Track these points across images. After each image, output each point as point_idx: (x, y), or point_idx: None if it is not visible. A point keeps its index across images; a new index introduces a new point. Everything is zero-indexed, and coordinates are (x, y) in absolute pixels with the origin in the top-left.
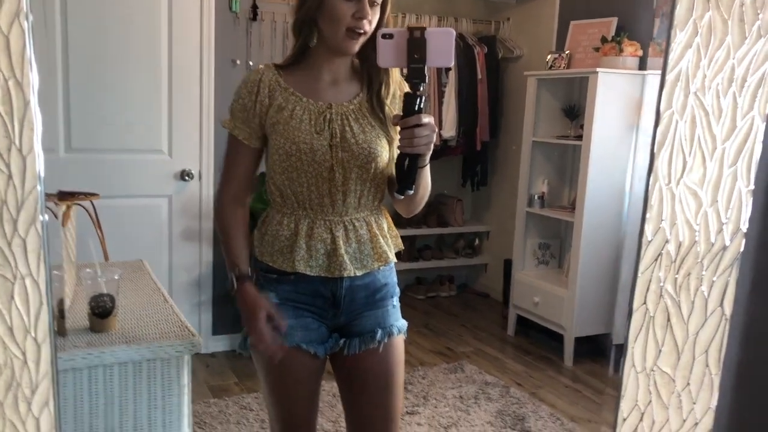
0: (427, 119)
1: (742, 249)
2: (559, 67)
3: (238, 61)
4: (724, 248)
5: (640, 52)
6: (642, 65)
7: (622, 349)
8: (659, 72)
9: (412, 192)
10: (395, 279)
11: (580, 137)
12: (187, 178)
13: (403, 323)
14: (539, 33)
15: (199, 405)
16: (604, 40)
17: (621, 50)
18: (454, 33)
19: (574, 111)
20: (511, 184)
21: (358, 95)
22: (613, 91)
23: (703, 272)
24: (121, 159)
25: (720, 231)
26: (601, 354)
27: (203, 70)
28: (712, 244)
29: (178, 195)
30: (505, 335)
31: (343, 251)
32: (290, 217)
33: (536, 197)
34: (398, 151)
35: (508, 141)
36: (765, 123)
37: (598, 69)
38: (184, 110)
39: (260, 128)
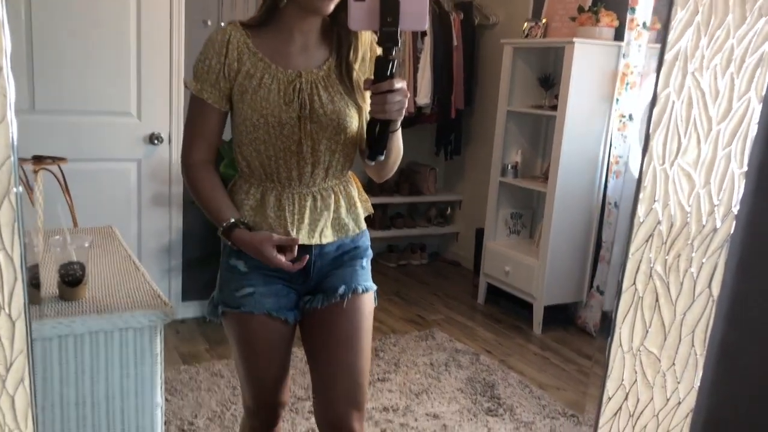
0: (400, 84)
1: (731, 231)
2: (536, 35)
3: (209, 22)
4: (715, 230)
5: (616, 23)
6: (618, 36)
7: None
8: (636, 44)
9: (383, 158)
10: (367, 243)
11: (554, 107)
12: (156, 141)
13: (371, 284)
14: (516, 1)
15: (169, 372)
16: (581, 9)
17: (598, 20)
18: None
19: (550, 81)
20: (484, 154)
21: (327, 60)
22: (588, 62)
23: (693, 254)
24: (87, 122)
25: (711, 213)
26: (570, 322)
27: (173, 30)
28: (703, 226)
29: (147, 159)
30: (476, 304)
31: (309, 221)
32: (257, 188)
33: (509, 167)
34: (368, 117)
35: (482, 110)
36: (761, 104)
37: (574, 39)
38: (153, 72)
39: (229, 91)
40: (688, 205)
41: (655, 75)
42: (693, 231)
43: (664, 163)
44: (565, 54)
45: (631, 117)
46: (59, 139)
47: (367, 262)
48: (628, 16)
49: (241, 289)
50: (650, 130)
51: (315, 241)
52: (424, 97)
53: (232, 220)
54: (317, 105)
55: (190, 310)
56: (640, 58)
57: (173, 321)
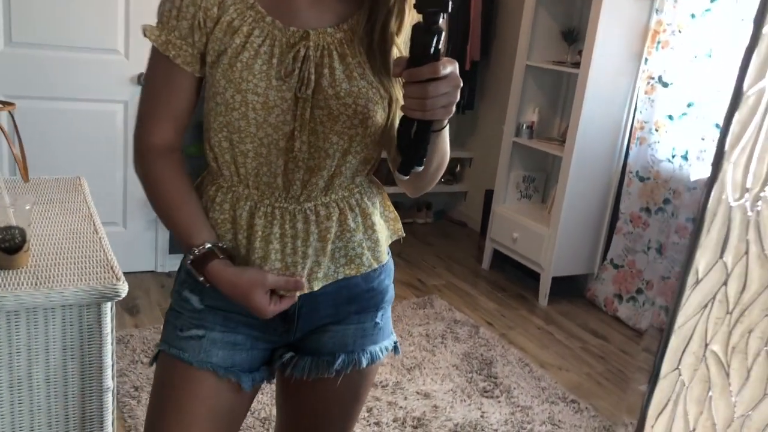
0: (449, 68)
1: None
2: None
3: None
4: None
5: None
6: None
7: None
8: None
9: (421, 168)
10: (388, 282)
11: (577, 64)
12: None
13: (386, 345)
14: None
15: (148, 331)
16: None
17: None
18: None
19: (574, 35)
20: (499, 110)
21: (352, 17)
22: (618, 16)
23: None
24: (69, 57)
25: None
26: (578, 294)
27: None
28: None
29: (134, 101)
30: (480, 269)
31: (293, 257)
32: (226, 194)
33: (524, 126)
34: (401, 114)
35: (499, 63)
36: None
37: None
38: (142, 6)
39: (202, 45)
40: None
41: (740, 64)
42: None
43: (742, 196)
44: (592, 5)
45: (660, 79)
46: (37, 75)
47: (384, 314)
48: None
49: (188, 329)
50: (726, 146)
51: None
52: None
53: (208, 246)
54: (326, 82)
55: (177, 263)
56: (675, 15)
57: (159, 274)
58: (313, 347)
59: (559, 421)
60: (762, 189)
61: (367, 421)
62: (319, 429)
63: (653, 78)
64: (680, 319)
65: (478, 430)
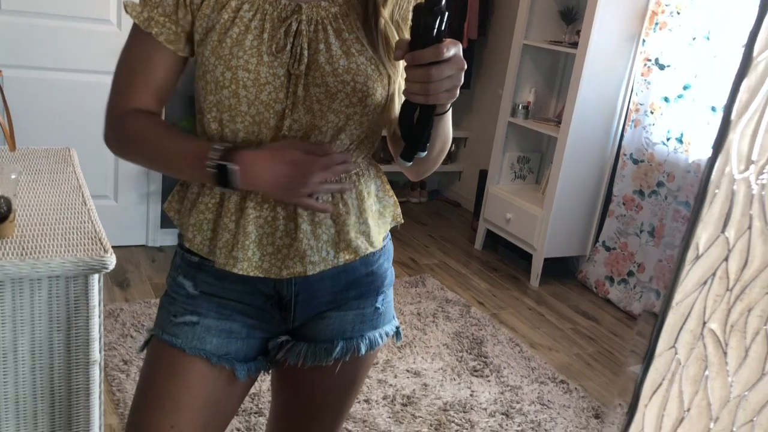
0: (452, 50)
1: None
2: None
3: None
4: None
5: None
6: None
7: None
8: None
9: (424, 154)
10: (387, 265)
11: (575, 44)
12: None
13: (386, 330)
14: None
15: (138, 305)
16: None
17: None
18: None
19: (572, 14)
20: (495, 90)
21: None
22: None
23: None
24: (61, 27)
25: None
26: (570, 276)
27: None
28: None
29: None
30: (473, 249)
31: (285, 239)
32: None
33: (521, 106)
34: (403, 97)
35: (497, 42)
36: None
37: None
38: None
39: (190, 26)
40: None
41: (751, 29)
42: None
43: (747, 168)
44: None
45: (657, 61)
46: (27, 44)
47: (385, 298)
48: None
49: (182, 314)
50: (732, 115)
51: (296, 270)
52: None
53: (221, 147)
54: (323, 58)
55: (169, 238)
56: None
57: (150, 248)
58: (310, 334)
59: (548, 401)
60: (767, 163)
61: (357, 398)
62: (314, 416)
63: (650, 60)
64: (678, 295)
65: (468, 409)
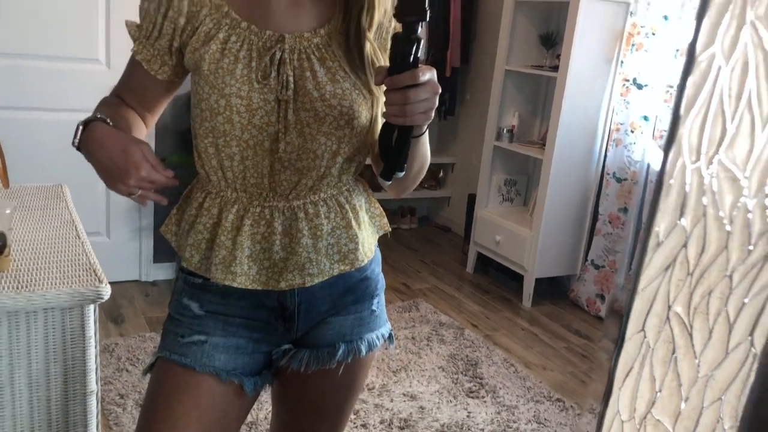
0: (428, 75)
1: None
2: None
3: None
4: (766, 258)
5: None
6: None
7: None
8: (645, 1)
9: (402, 174)
10: (378, 270)
11: (555, 68)
12: None
13: (383, 331)
14: None
15: (133, 339)
16: None
17: None
18: None
19: (552, 39)
20: (480, 115)
21: (328, 23)
22: (594, 20)
23: (732, 290)
24: (51, 67)
25: (764, 234)
26: (561, 296)
27: None
28: (749, 252)
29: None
30: (465, 273)
31: (282, 253)
32: (215, 199)
33: (505, 130)
34: (383, 118)
35: (479, 68)
36: None
37: None
38: (123, 15)
39: (171, 55)
40: (729, 222)
41: (694, 30)
42: (734, 259)
43: (698, 159)
44: (569, 10)
45: (635, 81)
46: (18, 85)
47: (379, 301)
48: None
49: (190, 335)
50: (681, 110)
51: (295, 282)
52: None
53: (99, 116)
54: (310, 84)
55: (162, 272)
56: (648, 18)
57: (143, 283)
58: (312, 340)
59: (545, 419)
60: (716, 152)
61: (354, 423)
62: (318, 418)
63: (628, 80)
64: (643, 281)
65: (465, 430)
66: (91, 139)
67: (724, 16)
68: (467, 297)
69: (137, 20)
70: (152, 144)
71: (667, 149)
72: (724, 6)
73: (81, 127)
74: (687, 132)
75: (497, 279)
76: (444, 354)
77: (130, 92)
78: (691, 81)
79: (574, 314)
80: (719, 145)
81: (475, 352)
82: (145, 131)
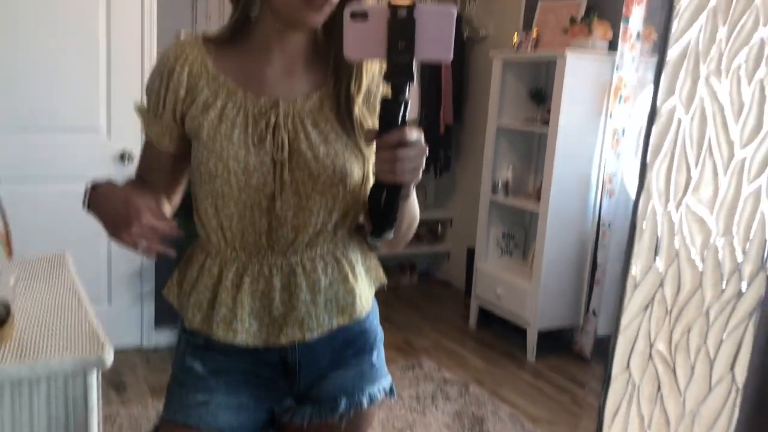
0: (415, 135)
1: (762, 296)
2: (526, 48)
3: (183, 32)
4: (739, 295)
5: (610, 34)
6: (612, 48)
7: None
8: (631, 56)
9: (392, 235)
10: (377, 322)
11: (546, 122)
12: (127, 160)
13: (384, 384)
14: (506, 12)
15: (135, 407)
16: (573, 20)
17: (591, 32)
18: (456, 14)
19: (541, 95)
20: (475, 170)
21: (320, 89)
22: (582, 75)
23: (709, 327)
24: (52, 138)
25: (735, 271)
26: (565, 348)
27: (144, 41)
28: (723, 290)
29: (118, 178)
30: (467, 328)
31: (282, 309)
32: (215, 259)
33: (500, 184)
34: (373, 176)
35: (472, 125)
36: None
37: (566, 51)
38: (123, 85)
39: (175, 125)
40: (701, 261)
41: (653, 85)
42: (709, 297)
43: (667, 203)
44: (557, 67)
45: (624, 132)
46: (20, 157)
47: (379, 354)
48: (622, 27)
49: (193, 395)
50: (647, 158)
51: (295, 336)
52: (411, 113)
53: (103, 181)
54: (304, 146)
55: (163, 338)
56: (634, 71)
57: (145, 349)
58: (314, 395)
59: None
60: (684, 195)
61: None
62: None
63: (618, 132)
64: (625, 320)
65: None
66: (96, 194)
67: (680, 71)
68: (471, 352)
69: (137, 95)
70: None
71: (638, 194)
72: (679, 62)
73: (89, 188)
74: (655, 177)
75: (500, 333)
76: (449, 412)
77: (148, 172)
78: (655, 130)
79: (578, 367)
80: (686, 189)
81: (481, 409)
82: (168, 206)
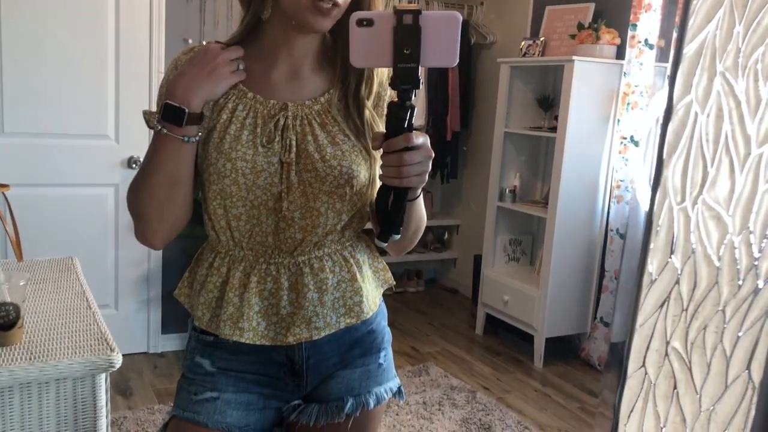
0: (420, 140)
1: None
2: (534, 54)
3: (190, 40)
4: (756, 292)
5: (617, 41)
6: (620, 54)
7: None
8: (638, 62)
9: (399, 237)
10: (384, 323)
11: (554, 129)
12: (135, 165)
13: (391, 385)
14: (514, 18)
15: (141, 412)
16: (580, 26)
17: (598, 38)
18: (461, 19)
19: (549, 101)
20: (482, 177)
21: (328, 92)
22: (589, 81)
23: (726, 324)
24: (62, 144)
25: (751, 269)
26: (573, 355)
27: (153, 48)
28: (740, 287)
29: (125, 184)
30: (474, 334)
31: (289, 308)
32: (223, 259)
33: (507, 191)
34: (380, 180)
35: (479, 132)
36: None
37: (573, 57)
38: (132, 92)
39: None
40: (717, 258)
41: (668, 81)
42: (725, 294)
43: (683, 200)
44: (564, 73)
45: (632, 139)
46: (30, 163)
47: (386, 355)
48: (629, 33)
49: (202, 392)
50: (664, 155)
51: (302, 335)
52: (418, 119)
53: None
54: (311, 147)
55: (170, 344)
56: (641, 77)
57: (152, 355)
58: (321, 394)
59: None
60: (700, 192)
61: None
62: None
63: (625, 138)
64: (640, 317)
65: None
66: (172, 95)
67: (697, 67)
68: (478, 359)
69: (146, 102)
70: None
71: (654, 191)
72: (695, 59)
73: (167, 111)
74: (671, 175)
75: (507, 340)
76: (456, 419)
77: None
78: (671, 128)
79: (586, 374)
80: (702, 186)
81: (489, 416)
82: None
